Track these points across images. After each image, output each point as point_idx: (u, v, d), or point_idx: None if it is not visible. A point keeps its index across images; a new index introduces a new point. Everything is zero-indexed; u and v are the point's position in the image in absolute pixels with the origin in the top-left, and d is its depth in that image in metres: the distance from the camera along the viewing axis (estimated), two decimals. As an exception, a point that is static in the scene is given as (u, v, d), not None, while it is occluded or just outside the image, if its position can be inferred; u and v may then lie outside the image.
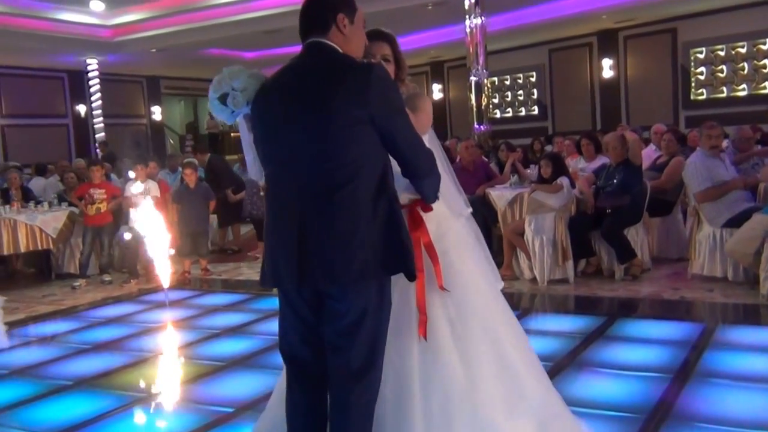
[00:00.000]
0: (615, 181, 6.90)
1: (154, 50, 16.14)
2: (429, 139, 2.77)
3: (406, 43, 16.75)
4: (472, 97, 12.93)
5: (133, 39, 15.73)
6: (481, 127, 12.99)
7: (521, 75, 17.98)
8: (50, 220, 8.23)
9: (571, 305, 6.28)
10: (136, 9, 15.06)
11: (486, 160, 10.11)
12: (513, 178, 7.96)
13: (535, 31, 15.75)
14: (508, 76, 18.04)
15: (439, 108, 19.47)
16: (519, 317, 5.76)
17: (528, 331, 5.47)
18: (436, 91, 19.52)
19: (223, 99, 2.59)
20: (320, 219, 2.35)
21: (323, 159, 2.34)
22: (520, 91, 18.11)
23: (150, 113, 20.24)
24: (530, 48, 17.25)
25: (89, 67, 16.79)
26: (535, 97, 17.86)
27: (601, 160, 7.78)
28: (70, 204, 8.64)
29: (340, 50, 2.45)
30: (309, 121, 2.36)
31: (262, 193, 8.07)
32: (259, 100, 2.54)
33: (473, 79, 12.84)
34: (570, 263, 6.77)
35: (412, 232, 2.62)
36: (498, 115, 17.84)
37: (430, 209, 2.68)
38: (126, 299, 7.36)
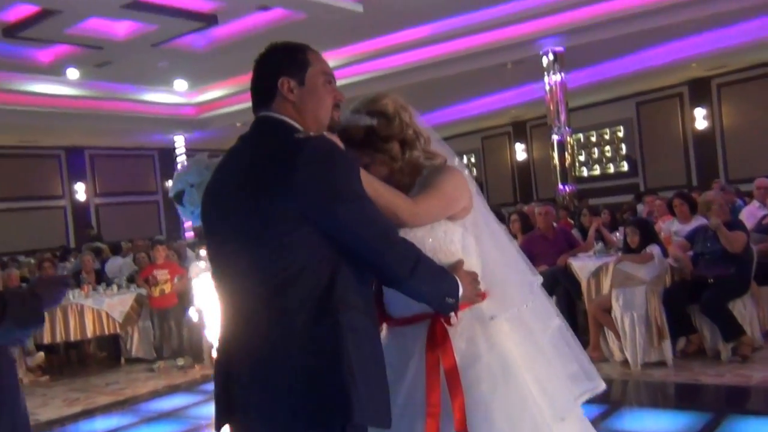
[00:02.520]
0: (716, 246, 6.14)
1: (239, 124, 16.29)
2: (471, 225, 2.14)
3: (487, 104, 16.56)
4: (555, 156, 12.40)
5: (217, 115, 16.01)
6: (566, 187, 12.39)
7: (608, 130, 17.22)
8: (117, 304, 8.10)
9: (670, 395, 5.51)
10: (218, 86, 15.30)
11: (572, 222, 9.45)
12: (597, 246, 7.25)
13: (620, 84, 15.12)
14: (594, 132, 17.31)
15: (524, 169, 18.96)
16: (607, 413, 5.10)
17: None
18: (520, 151, 18.97)
19: (179, 198, 2.23)
20: (241, 344, 1.88)
21: (247, 270, 1.87)
22: (608, 147, 17.31)
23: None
24: (616, 102, 16.54)
25: (176, 144, 17.14)
26: (624, 152, 17.01)
27: (697, 222, 7.00)
28: (140, 286, 8.48)
29: (292, 122, 1.96)
30: (231, 224, 1.91)
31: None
32: (203, 197, 2.12)
33: (555, 137, 12.33)
34: (667, 343, 5.98)
35: (430, 353, 2.01)
36: (585, 174, 17.08)
37: (454, 322, 2.02)
38: (186, 389, 7.00)
